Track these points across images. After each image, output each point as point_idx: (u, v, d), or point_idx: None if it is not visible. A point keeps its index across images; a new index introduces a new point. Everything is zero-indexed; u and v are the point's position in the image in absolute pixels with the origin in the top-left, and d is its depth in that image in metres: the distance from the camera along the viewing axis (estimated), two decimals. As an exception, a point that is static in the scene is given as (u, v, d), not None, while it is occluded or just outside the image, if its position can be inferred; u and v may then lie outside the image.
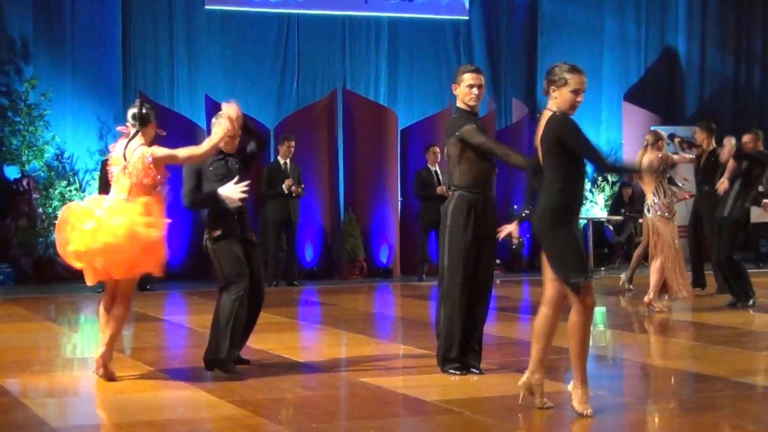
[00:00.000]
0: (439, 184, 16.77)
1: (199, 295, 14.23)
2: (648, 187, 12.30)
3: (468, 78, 8.29)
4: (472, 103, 8.34)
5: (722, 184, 12.82)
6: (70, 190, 16.69)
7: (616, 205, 19.58)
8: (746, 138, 13.01)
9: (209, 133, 16.60)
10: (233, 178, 8.31)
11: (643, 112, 20.53)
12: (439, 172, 16.93)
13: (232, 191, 8.23)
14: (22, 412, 6.96)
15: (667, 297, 12.32)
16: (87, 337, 11.04)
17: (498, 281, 16.94)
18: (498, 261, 18.71)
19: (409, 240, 17.84)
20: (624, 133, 20.60)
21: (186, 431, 6.46)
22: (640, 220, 19.22)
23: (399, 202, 18.22)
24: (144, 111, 8.13)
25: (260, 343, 10.00)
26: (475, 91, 8.30)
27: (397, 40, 19.74)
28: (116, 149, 8.17)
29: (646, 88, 21.27)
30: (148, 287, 14.61)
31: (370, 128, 17.94)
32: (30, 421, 6.71)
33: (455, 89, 8.38)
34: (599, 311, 12.73)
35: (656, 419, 6.78)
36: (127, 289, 8.17)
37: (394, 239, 17.92)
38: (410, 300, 14.57)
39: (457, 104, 8.44)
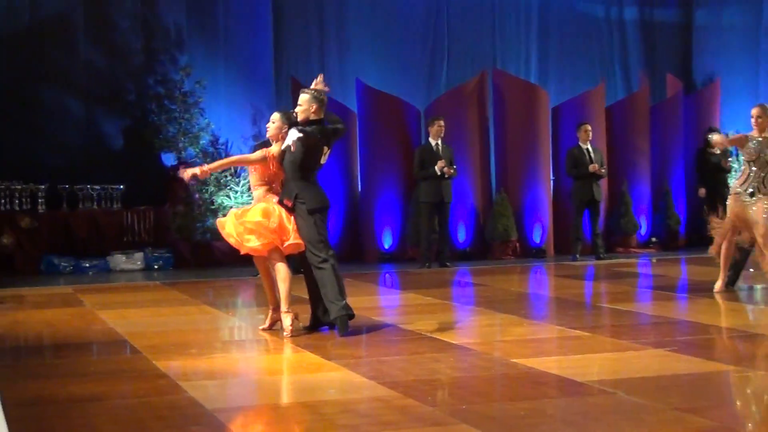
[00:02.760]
0: (591, 163, 16.57)
1: (352, 277, 14.26)
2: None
3: None
4: None
5: None
6: (226, 176, 16.94)
7: None
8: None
9: (360, 117, 16.73)
10: None
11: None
12: (590, 150, 16.73)
13: None
14: (179, 393, 7.08)
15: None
16: (244, 320, 11.19)
17: (654, 260, 16.73)
18: (654, 239, 18.43)
19: (562, 219, 17.68)
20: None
21: (337, 412, 6.49)
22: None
23: (551, 181, 18.05)
24: None
25: (412, 324, 10.01)
26: None
27: (547, 18, 19.51)
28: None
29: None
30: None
31: (521, 107, 17.81)
32: (187, 402, 6.82)
33: None
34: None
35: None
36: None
37: (547, 219, 17.77)
38: (564, 280, 14.41)
39: None
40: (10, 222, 16.40)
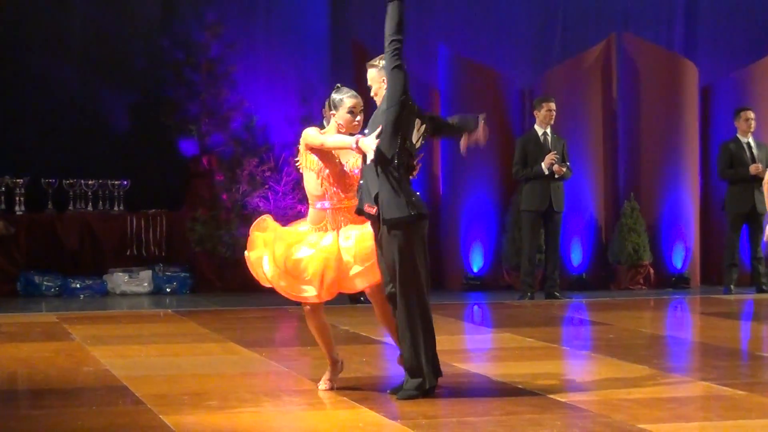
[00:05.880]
0: (754, 162, 16.44)
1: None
2: None
3: None
4: None
5: None
6: (263, 170, 16.96)
7: None
8: None
9: (444, 95, 16.69)
10: None
11: None
12: (752, 144, 16.60)
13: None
14: (192, 460, 7.13)
15: None
16: (283, 363, 11.20)
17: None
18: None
19: (712, 237, 17.59)
20: None
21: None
22: None
23: (699, 186, 17.94)
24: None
25: (509, 372, 10.00)
26: None
27: (696, -34, 19.43)
28: None
29: None
30: (362, 299, 14.68)
31: (660, 86, 17.76)
32: (202, 472, 6.87)
33: None
34: None
35: None
36: None
37: (692, 237, 17.67)
38: (713, 319, 14.34)
39: None
40: (-22, 227, 16.61)
